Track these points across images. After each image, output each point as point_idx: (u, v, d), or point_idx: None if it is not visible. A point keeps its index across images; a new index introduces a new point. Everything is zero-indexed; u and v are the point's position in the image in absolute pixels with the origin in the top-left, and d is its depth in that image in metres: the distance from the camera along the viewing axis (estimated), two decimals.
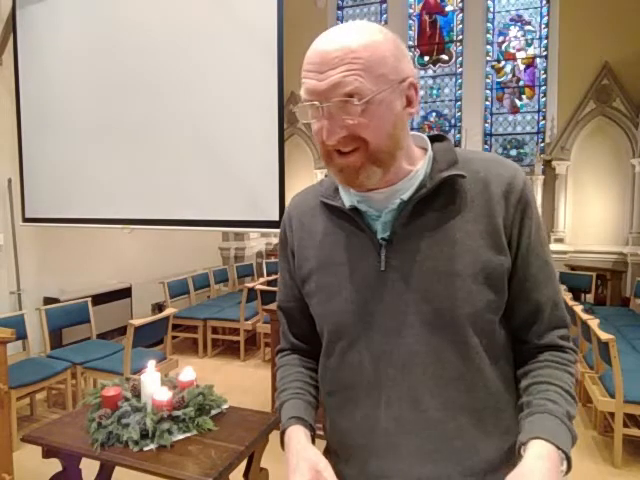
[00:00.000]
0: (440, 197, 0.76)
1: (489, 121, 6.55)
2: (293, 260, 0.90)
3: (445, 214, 0.76)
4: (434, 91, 6.71)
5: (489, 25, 6.47)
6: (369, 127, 0.69)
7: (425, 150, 0.80)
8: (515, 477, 0.66)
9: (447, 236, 0.75)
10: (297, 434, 0.82)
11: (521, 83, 6.42)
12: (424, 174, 0.77)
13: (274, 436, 1.91)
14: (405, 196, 0.76)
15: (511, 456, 0.76)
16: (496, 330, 0.78)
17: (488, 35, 6.46)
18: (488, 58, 6.50)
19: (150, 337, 3.21)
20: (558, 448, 0.68)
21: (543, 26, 6.25)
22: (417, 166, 0.78)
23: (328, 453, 0.89)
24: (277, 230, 3.34)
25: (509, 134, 6.48)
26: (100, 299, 4.20)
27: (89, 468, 1.89)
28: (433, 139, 0.82)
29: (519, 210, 0.76)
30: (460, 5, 6.54)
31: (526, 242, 0.77)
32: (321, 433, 0.89)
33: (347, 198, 0.81)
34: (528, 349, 0.81)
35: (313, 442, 0.83)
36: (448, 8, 6.69)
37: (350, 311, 0.80)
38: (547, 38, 6.20)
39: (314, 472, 0.73)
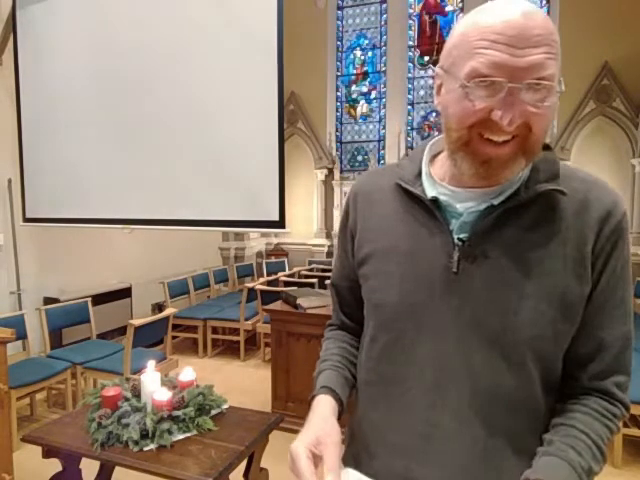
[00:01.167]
0: (532, 210, 0.71)
1: None
2: (352, 240, 0.87)
3: (533, 229, 0.70)
4: (434, 91, 6.69)
5: None
6: (543, 118, 0.64)
7: None
8: None
9: (530, 253, 0.70)
10: (325, 403, 0.79)
11: None
12: (520, 182, 0.71)
13: (274, 436, 1.91)
14: (496, 201, 0.70)
15: None
16: (558, 361, 0.73)
17: None
18: None
19: (150, 337, 3.21)
20: None
21: None
22: None
23: (352, 443, 0.87)
24: (277, 230, 3.30)
25: None
26: (100, 299, 4.20)
27: (89, 468, 1.89)
28: None
29: (611, 241, 0.70)
30: (460, 5, 6.54)
31: (608, 276, 0.71)
32: None
33: (430, 188, 0.76)
34: (575, 386, 0.75)
35: (339, 417, 0.80)
36: (448, 8, 6.69)
37: (407, 304, 0.75)
38: None
39: (318, 442, 0.70)
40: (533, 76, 0.62)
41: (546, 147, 0.75)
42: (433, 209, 0.75)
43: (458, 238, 0.73)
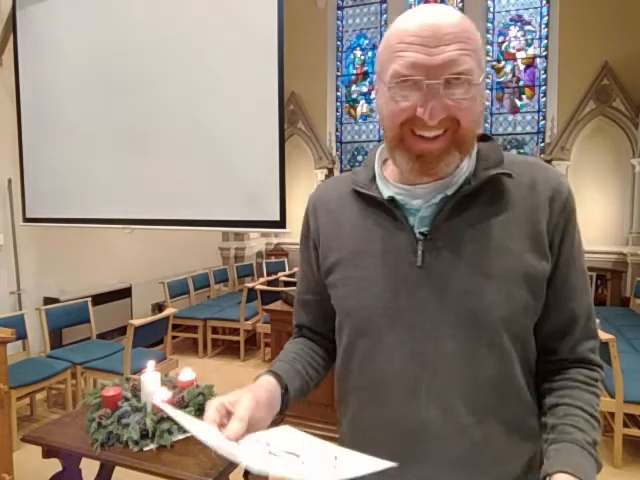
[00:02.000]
0: (483, 196, 0.74)
1: (489, 121, 6.55)
2: (316, 251, 0.87)
3: (488, 214, 0.74)
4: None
5: (489, 25, 6.47)
6: (467, 110, 0.67)
7: None
8: None
9: (489, 236, 0.73)
10: (261, 379, 0.79)
11: (521, 83, 6.42)
12: (468, 172, 0.75)
13: None
14: (449, 191, 0.73)
15: (533, 465, 0.76)
16: (530, 337, 0.76)
17: (488, 35, 6.46)
18: (488, 58, 6.49)
19: (150, 337, 3.21)
20: None
21: (543, 26, 6.25)
22: (462, 163, 0.75)
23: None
24: (277, 230, 3.29)
25: (509, 134, 6.48)
26: (100, 299, 4.20)
27: (89, 468, 1.89)
28: (477, 138, 0.80)
29: (563, 217, 0.75)
30: (460, 5, 6.54)
31: (568, 250, 0.76)
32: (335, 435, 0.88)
33: (385, 189, 0.78)
34: (555, 361, 0.78)
35: (284, 404, 0.78)
36: None
37: (379, 307, 0.76)
38: (547, 38, 6.19)
39: (236, 402, 0.69)
40: (449, 72, 0.65)
41: (487, 138, 0.80)
42: (392, 208, 0.77)
43: (419, 232, 0.75)
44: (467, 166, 0.75)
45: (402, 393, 0.75)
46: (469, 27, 0.68)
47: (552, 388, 0.77)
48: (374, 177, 0.81)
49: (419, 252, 0.74)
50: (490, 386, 0.73)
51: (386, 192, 0.78)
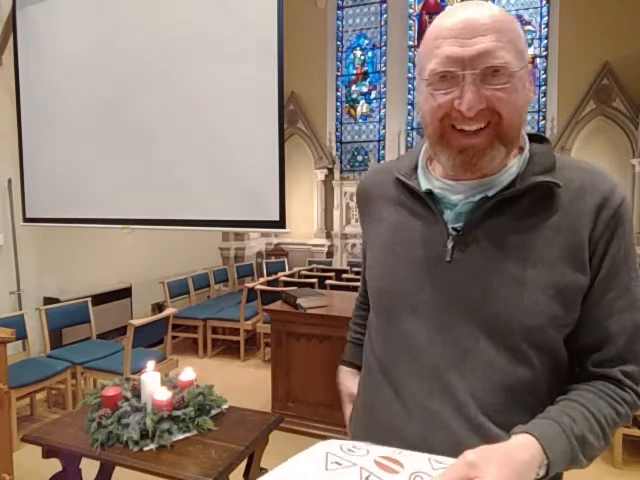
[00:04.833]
0: (526, 200, 0.71)
1: None
2: (363, 232, 0.94)
3: (527, 219, 0.71)
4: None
5: None
6: (508, 102, 0.66)
7: (521, 148, 0.75)
8: (478, 452, 0.57)
9: (524, 241, 0.70)
10: (345, 376, 1.03)
11: None
12: (516, 174, 0.72)
13: (274, 436, 1.91)
14: (490, 192, 0.71)
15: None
16: (559, 349, 0.72)
17: None
18: None
19: (150, 337, 3.21)
20: (544, 452, 0.60)
21: (543, 26, 6.25)
22: (510, 163, 0.73)
23: (357, 428, 0.89)
24: (277, 230, 3.29)
25: None
26: (100, 299, 4.20)
27: (89, 468, 1.89)
28: (531, 138, 0.77)
29: (610, 227, 0.69)
30: None
31: (609, 263, 0.70)
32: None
33: (425, 181, 0.78)
34: (581, 374, 0.74)
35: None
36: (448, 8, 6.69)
37: (402, 294, 0.77)
38: (547, 38, 6.20)
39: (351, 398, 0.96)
40: (486, 63, 0.65)
41: (543, 139, 0.77)
42: (427, 200, 0.77)
43: (452, 228, 0.74)
44: (516, 167, 0.73)
45: (416, 383, 0.76)
46: (505, 18, 0.67)
47: (567, 390, 0.72)
48: (416, 167, 0.82)
49: (449, 247, 0.74)
50: (504, 389, 0.71)
51: (425, 184, 0.78)
